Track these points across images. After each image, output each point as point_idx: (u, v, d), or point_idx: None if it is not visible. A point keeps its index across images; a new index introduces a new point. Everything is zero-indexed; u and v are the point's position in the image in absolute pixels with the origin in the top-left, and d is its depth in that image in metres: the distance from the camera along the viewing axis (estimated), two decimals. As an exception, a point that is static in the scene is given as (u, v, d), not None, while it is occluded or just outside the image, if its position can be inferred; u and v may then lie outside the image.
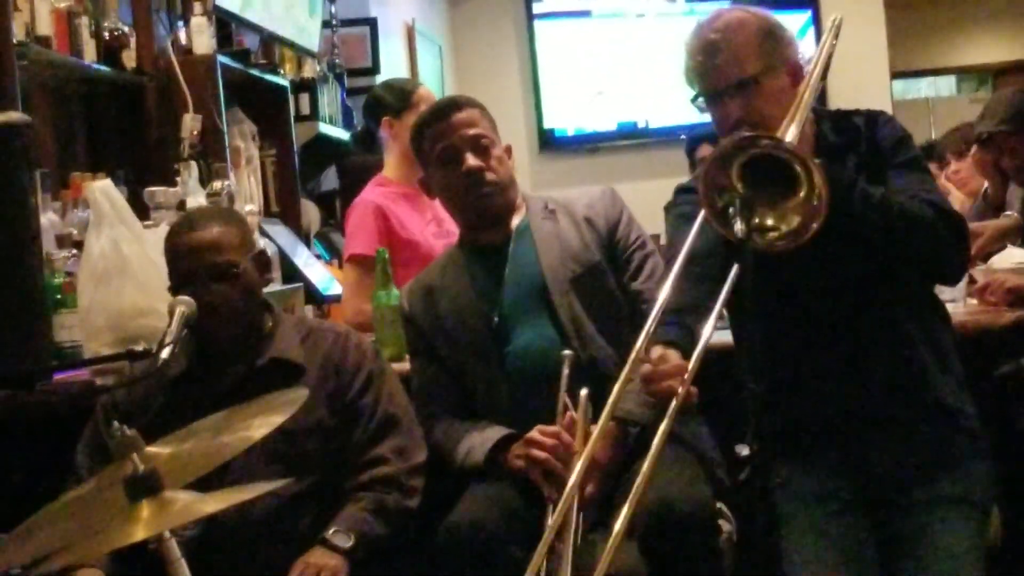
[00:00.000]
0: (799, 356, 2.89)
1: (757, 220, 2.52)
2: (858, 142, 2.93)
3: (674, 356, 2.65)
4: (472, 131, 3.28)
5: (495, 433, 3.13)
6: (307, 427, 3.01)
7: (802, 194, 2.49)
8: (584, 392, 3.01)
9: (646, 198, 6.94)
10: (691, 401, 2.59)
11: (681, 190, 3.08)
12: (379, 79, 6.72)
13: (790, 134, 2.57)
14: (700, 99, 2.89)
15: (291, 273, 4.88)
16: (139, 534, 2.03)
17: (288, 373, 3.04)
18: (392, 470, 3.05)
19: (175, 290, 2.97)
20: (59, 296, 3.54)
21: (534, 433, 3.05)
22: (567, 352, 3.11)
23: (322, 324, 3.28)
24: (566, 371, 3.07)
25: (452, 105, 3.34)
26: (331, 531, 2.90)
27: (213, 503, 2.13)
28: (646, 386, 2.66)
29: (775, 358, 2.84)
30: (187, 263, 2.98)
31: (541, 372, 3.12)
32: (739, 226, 2.53)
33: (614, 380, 2.99)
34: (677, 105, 8.74)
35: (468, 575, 2.85)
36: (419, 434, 3.16)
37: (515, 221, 3.34)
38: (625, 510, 2.55)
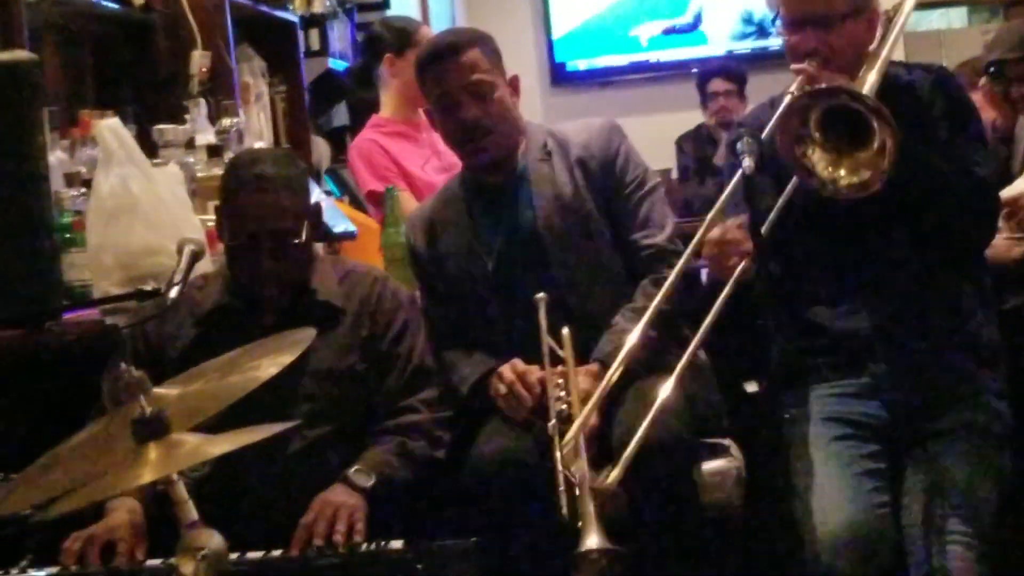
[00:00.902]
0: (833, 275, 2.95)
1: (830, 168, 2.67)
2: (924, 88, 2.96)
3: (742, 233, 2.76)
4: (471, 77, 3.19)
5: (481, 367, 3.17)
6: (339, 371, 3.03)
7: (870, 151, 2.61)
8: (566, 331, 3.04)
9: (658, 132, 6.94)
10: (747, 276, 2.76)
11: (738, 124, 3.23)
12: (389, 14, 6.67)
13: (868, 82, 2.69)
14: (779, 21, 2.93)
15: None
16: (146, 476, 2.03)
17: (327, 315, 3.03)
18: (422, 418, 3.06)
19: (230, 247, 3.00)
20: (68, 235, 3.53)
21: (505, 368, 3.10)
22: (540, 295, 3.11)
23: (358, 266, 3.24)
24: (542, 314, 3.08)
25: (452, 48, 3.23)
26: (353, 469, 2.90)
27: (221, 445, 2.13)
28: (711, 248, 2.79)
29: (808, 279, 2.89)
30: (251, 226, 2.96)
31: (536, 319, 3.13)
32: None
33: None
34: (689, 39, 8.82)
35: (501, 502, 2.87)
36: None
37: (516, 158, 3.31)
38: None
